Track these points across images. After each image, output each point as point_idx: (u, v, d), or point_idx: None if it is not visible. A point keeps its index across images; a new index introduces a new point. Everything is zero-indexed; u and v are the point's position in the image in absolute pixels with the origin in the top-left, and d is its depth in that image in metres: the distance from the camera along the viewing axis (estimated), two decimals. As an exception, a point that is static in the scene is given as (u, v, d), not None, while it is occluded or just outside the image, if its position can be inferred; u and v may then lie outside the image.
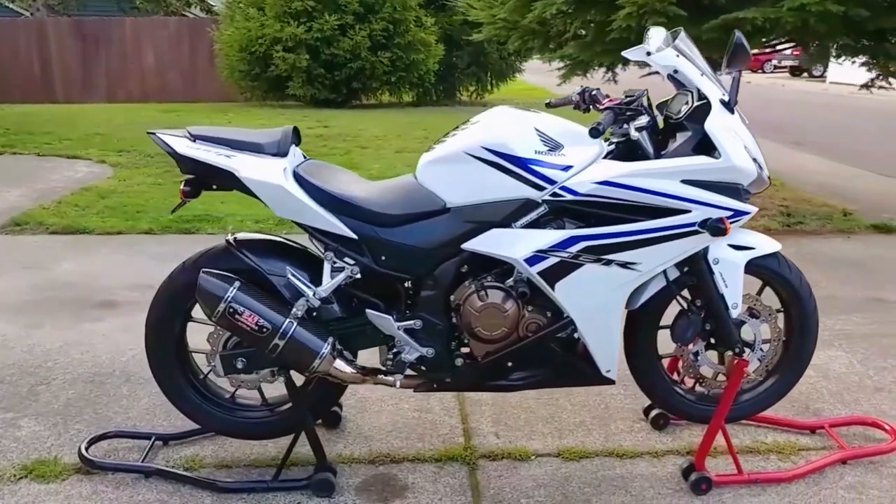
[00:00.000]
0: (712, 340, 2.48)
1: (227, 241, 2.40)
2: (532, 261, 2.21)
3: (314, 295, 2.27)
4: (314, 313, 2.30)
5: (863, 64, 5.65)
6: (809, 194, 6.87)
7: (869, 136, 11.67)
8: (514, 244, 2.22)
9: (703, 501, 2.40)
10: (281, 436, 2.58)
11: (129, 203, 6.27)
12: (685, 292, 2.45)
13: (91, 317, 3.86)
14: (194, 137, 2.26)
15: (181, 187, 2.30)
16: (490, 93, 16.05)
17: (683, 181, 2.17)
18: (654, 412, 2.81)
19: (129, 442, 2.69)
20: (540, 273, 2.22)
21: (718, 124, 2.17)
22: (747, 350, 2.42)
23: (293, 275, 2.28)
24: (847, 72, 20.92)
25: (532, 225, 2.23)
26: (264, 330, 2.20)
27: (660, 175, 2.17)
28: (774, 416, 2.78)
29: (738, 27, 4.46)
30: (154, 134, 2.30)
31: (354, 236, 2.26)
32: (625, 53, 2.43)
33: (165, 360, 2.47)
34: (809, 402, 3.00)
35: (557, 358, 2.37)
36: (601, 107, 2.30)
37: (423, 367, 2.38)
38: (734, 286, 2.35)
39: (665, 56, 2.24)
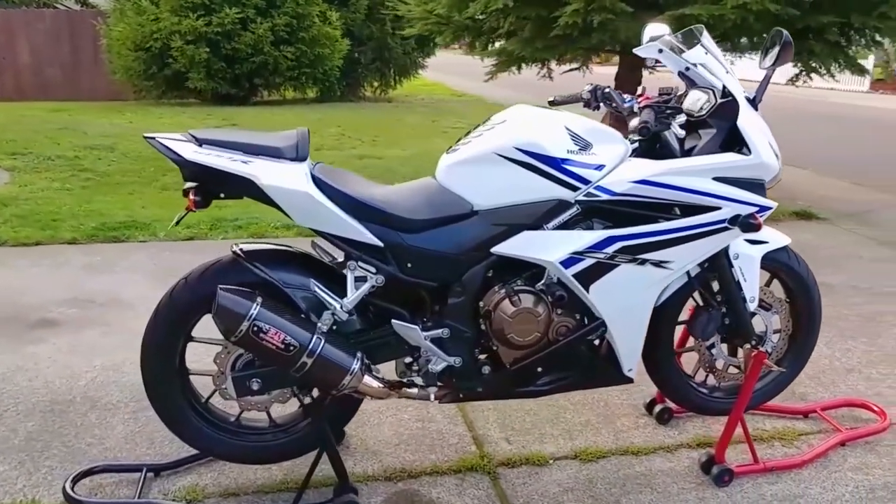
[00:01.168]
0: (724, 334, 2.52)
1: (235, 252, 2.21)
2: (567, 263, 2.16)
3: (342, 308, 2.12)
4: (337, 327, 2.16)
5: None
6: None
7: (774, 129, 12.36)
8: (547, 246, 2.16)
9: (726, 493, 2.43)
10: (294, 458, 2.42)
11: (41, 211, 5.75)
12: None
13: (31, 338, 3.50)
14: (200, 141, 2.06)
15: (191, 196, 2.09)
16: (394, 89, 15.89)
17: (715, 178, 2.18)
18: (658, 407, 2.82)
19: (116, 476, 2.45)
20: (575, 275, 2.17)
21: (748, 121, 2.19)
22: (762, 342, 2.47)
23: (318, 287, 2.13)
24: (756, 69, 22.17)
25: (563, 226, 2.18)
26: (291, 348, 2.04)
27: (694, 173, 2.16)
28: (770, 404, 2.85)
29: (683, 23, 4.59)
30: (153, 138, 2.08)
31: (380, 244, 2.13)
32: (637, 51, 2.40)
33: (166, 385, 2.25)
34: (794, 388, 3.10)
35: (584, 360, 2.34)
36: (640, 105, 2.26)
37: (451, 377, 2.28)
38: (752, 280, 2.39)
39: (695, 54, 2.24)
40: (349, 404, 2.35)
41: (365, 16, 14.58)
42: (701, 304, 2.48)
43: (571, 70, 7.21)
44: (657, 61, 2.39)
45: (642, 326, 2.31)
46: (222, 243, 5.07)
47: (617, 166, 2.17)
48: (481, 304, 2.23)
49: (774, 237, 2.43)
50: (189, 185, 2.13)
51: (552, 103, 2.60)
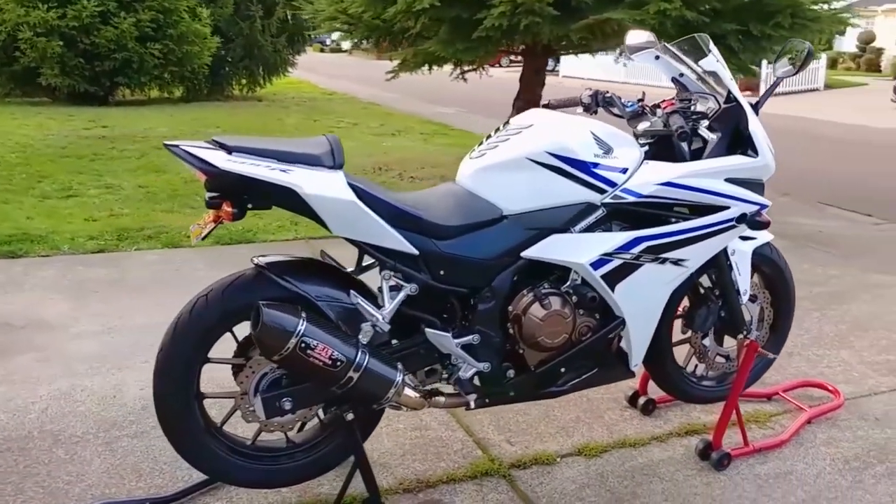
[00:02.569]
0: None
1: (258, 265, 2.08)
2: (597, 264, 2.21)
3: (382, 319, 2.06)
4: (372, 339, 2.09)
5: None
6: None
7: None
8: (577, 249, 2.21)
9: (727, 475, 2.58)
10: (315, 477, 2.32)
11: (-88, 225, 5.11)
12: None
13: (-48, 370, 3.12)
14: (229, 149, 1.93)
15: (226, 208, 1.94)
16: (262, 87, 15.41)
17: (726, 179, 2.30)
18: (641, 399, 2.94)
19: (115, 514, 2.25)
20: (603, 276, 2.23)
21: (756, 126, 2.33)
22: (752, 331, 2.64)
23: (358, 298, 2.05)
24: (577, 66, 23.30)
25: (588, 229, 2.23)
26: (339, 363, 1.95)
27: (710, 174, 2.28)
28: (737, 389, 3.05)
29: (606, 27, 4.81)
30: (177, 146, 1.92)
31: (416, 251, 2.09)
32: (635, 57, 2.50)
33: (184, 411, 2.09)
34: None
35: (601, 358, 2.40)
36: (665, 110, 2.34)
37: (479, 383, 2.27)
38: (745, 274, 2.55)
39: (708, 62, 2.35)
40: (375, 417, 2.28)
41: (233, 11, 14.04)
42: (696, 298, 2.61)
43: (470, 71, 7.30)
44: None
45: (655, 323, 2.41)
46: (137, 255, 4.74)
47: (637, 169, 2.25)
48: (510, 308, 2.24)
49: (760, 233, 2.61)
50: (211, 195, 1.98)
51: (547, 107, 2.64)
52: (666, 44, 2.49)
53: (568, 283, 2.26)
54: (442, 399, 2.27)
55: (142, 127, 10.10)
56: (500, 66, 32.05)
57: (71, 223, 5.37)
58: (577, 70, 23.97)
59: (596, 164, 2.19)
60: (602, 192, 2.21)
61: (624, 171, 2.23)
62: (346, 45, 45.64)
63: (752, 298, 2.69)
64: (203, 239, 2.04)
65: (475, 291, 2.20)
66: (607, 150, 2.23)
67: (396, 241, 2.05)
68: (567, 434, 2.80)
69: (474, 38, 5.08)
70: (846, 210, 6.89)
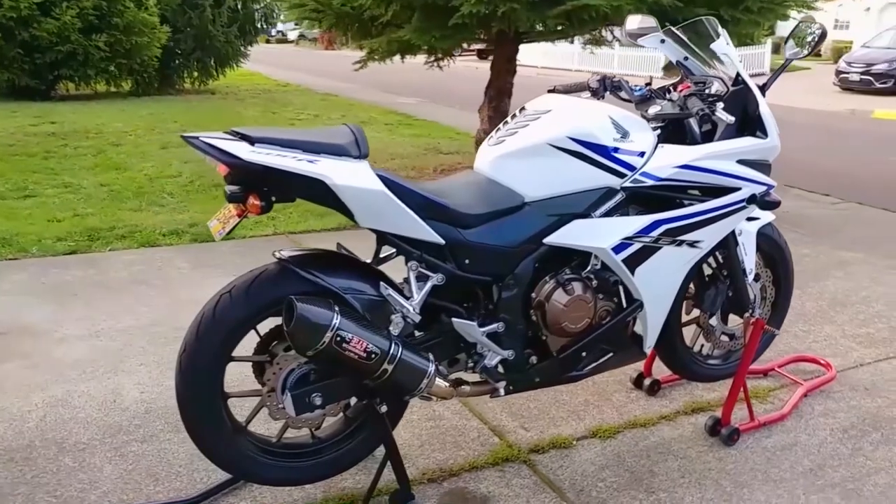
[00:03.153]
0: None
1: (281, 259, 2.04)
2: (618, 248, 2.23)
3: (413, 310, 2.04)
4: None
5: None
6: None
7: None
8: (598, 234, 2.22)
9: (737, 450, 2.64)
10: (343, 472, 2.30)
11: None
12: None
13: (-64, 379, 2.99)
14: (252, 140, 1.88)
15: (253, 201, 1.90)
16: (215, 79, 15.08)
17: (737, 161, 2.35)
18: (647, 381, 2.99)
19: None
20: (624, 260, 2.25)
21: (765, 107, 2.38)
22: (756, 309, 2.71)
23: (388, 289, 2.03)
24: (530, 55, 23.43)
25: (608, 213, 2.25)
26: (373, 356, 1.93)
27: (723, 156, 2.32)
28: (735, 366, 3.13)
29: (583, 14, 4.84)
30: (196, 138, 1.87)
31: (442, 241, 2.08)
32: (641, 41, 2.53)
33: (210, 412, 2.04)
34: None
35: (619, 341, 2.43)
36: (682, 93, 2.36)
37: (502, 370, 2.28)
38: (751, 254, 2.61)
39: (719, 45, 2.39)
40: (401, 408, 2.27)
41: (181, 1, 13.67)
42: (705, 279, 2.66)
43: (440, 59, 7.24)
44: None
45: (669, 305, 2.45)
46: (113, 255, 4.61)
47: (653, 153, 2.27)
48: (533, 295, 2.24)
49: (763, 213, 2.67)
50: (232, 188, 1.94)
51: (552, 92, 2.65)
52: (671, 27, 2.52)
53: (588, 268, 2.28)
54: (467, 388, 2.27)
55: (93, 123, 9.78)
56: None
57: (33, 224, 5.18)
58: (527, 59, 24.14)
59: (616, 149, 2.21)
60: (622, 176, 2.23)
61: (641, 154, 2.25)
62: (291, 35, 44.92)
63: (756, 277, 2.76)
64: (228, 234, 1.98)
65: (499, 279, 2.20)
66: (625, 135, 2.25)
67: (424, 231, 2.03)
68: (579, 417, 2.83)
69: (451, 26, 5.05)
70: (805, 191, 7.10)
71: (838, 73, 19.11)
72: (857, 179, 7.62)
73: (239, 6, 14.61)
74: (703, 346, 2.85)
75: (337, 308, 1.91)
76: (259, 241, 4.97)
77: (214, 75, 14.92)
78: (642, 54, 21.83)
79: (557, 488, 2.40)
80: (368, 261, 2.21)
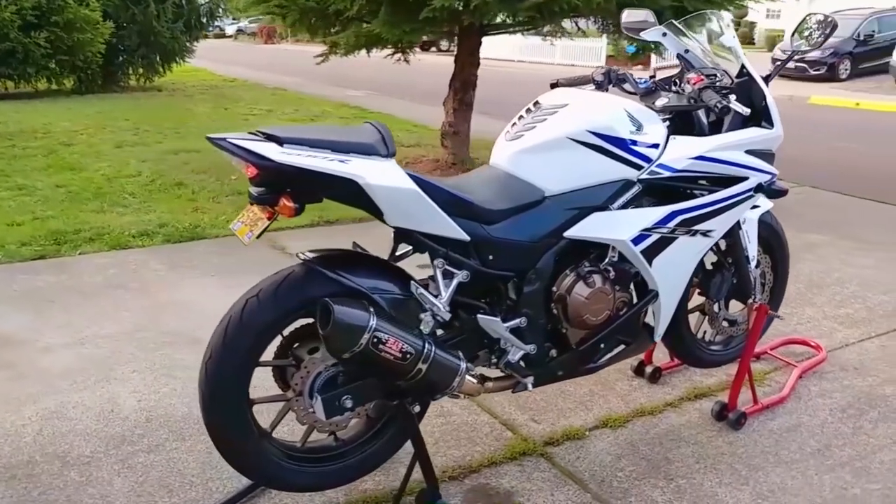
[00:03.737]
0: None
1: (307, 261, 1.99)
2: (637, 240, 2.25)
3: (443, 308, 2.02)
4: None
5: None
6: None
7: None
8: (618, 226, 2.24)
9: (744, 433, 2.70)
10: (369, 473, 2.27)
11: None
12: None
13: (-83, 396, 2.84)
14: (281, 140, 1.83)
15: (286, 203, 1.84)
16: (161, 76, 14.66)
17: (746, 151, 2.39)
18: (648, 368, 3.04)
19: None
20: (642, 251, 2.27)
21: (770, 98, 2.43)
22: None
23: (419, 288, 2.00)
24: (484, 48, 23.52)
25: (625, 206, 2.27)
26: (408, 356, 1.91)
27: (733, 147, 2.36)
28: (729, 351, 3.19)
29: (553, 6, 4.86)
30: (224, 140, 1.81)
31: (467, 238, 2.06)
32: (644, 34, 2.55)
33: (238, 418, 1.98)
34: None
35: (633, 331, 2.46)
36: (695, 86, 2.38)
37: (524, 365, 2.27)
38: (753, 241, 2.67)
39: (727, 38, 2.42)
40: (426, 407, 2.25)
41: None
42: (712, 266, 2.71)
43: (398, 52, 7.19)
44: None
45: (681, 293, 2.48)
46: (84, 259, 4.45)
47: (666, 145, 2.30)
48: (553, 289, 2.25)
49: (763, 201, 2.72)
50: (259, 190, 1.89)
51: (555, 86, 2.65)
52: (674, 21, 2.55)
53: (606, 260, 2.29)
54: (491, 384, 2.26)
55: (39, 122, 9.42)
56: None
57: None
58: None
59: (634, 142, 2.23)
60: (639, 168, 2.25)
61: (656, 146, 2.27)
62: (230, 30, 44.05)
63: (756, 264, 2.82)
64: (257, 238, 1.92)
65: (521, 274, 2.20)
66: (639, 127, 2.26)
67: (451, 228, 2.01)
68: (587, 408, 2.85)
69: (421, 19, 5.01)
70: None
71: (774, 60, 19.67)
72: (807, 164, 7.85)
73: (184, 1, 14.22)
74: (705, 332, 2.90)
75: (372, 309, 1.88)
76: (232, 239, 4.83)
77: (160, 72, 14.49)
78: (585, 45, 22.09)
79: (578, 480, 2.41)
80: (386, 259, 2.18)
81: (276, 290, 1.96)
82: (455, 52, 6.82)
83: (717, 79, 2.36)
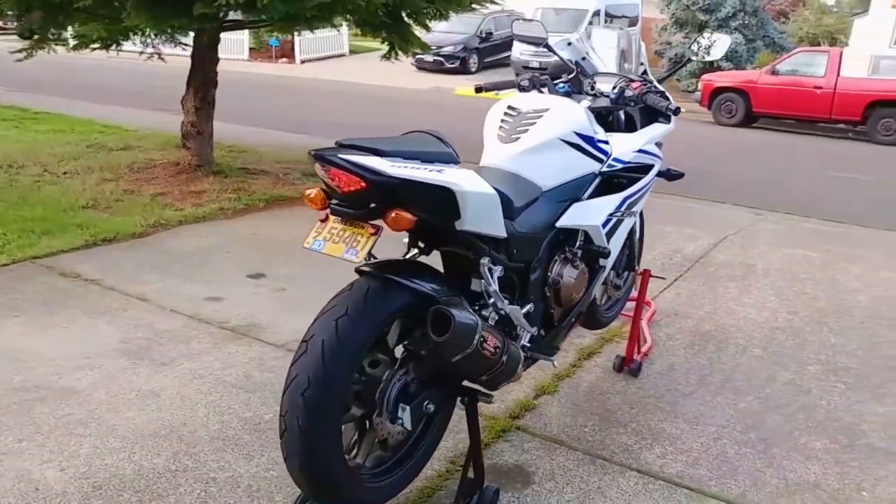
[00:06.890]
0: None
1: (377, 273, 1.96)
2: (605, 224, 2.60)
3: (509, 303, 2.14)
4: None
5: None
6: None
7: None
8: (592, 213, 2.56)
9: (644, 378, 3.23)
10: (415, 478, 2.28)
11: None
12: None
13: None
14: (381, 153, 1.80)
15: (404, 214, 1.79)
16: None
17: (656, 143, 2.88)
18: (544, 338, 3.42)
19: None
20: (606, 233, 2.62)
21: (671, 99, 2.93)
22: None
23: (492, 285, 2.09)
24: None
25: (591, 196, 2.59)
26: (497, 351, 2.01)
27: (652, 140, 2.82)
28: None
29: (338, 6, 4.94)
30: (334, 155, 1.71)
31: (505, 235, 2.20)
32: (552, 45, 2.89)
33: (335, 443, 1.88)
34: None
35: (589, 303, 2.81)
36: (636, 91, 2.72)
37: (528, 346, 2.48)
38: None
39: (637, 48, 2.84)
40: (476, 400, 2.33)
41: None
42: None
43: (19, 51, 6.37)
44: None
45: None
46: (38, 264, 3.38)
47: (611, 140, 2.67)
48: (549, 274, 2.49)
49: None
50: (334, 202, 1.83)
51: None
52: (579, 34, 2.93)
53: (577, 243, 2.60)
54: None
55: None
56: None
57: None
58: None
59: (599, 140, 2.55)
60: (601, 162, 2.58)
61: (607, 143, 2.63)
62: None
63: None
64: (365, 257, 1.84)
65: (528, 264, 2.39)
66: (594, 127, 2.60)
67: (502, 227, 2.13)
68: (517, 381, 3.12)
69: (197, 16, 4.65)
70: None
71: (414, 54, 21.54)
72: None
73: None
74: (602, 298, 3.37)
75: (472, 310, 1.94)
76: (9, 275, 4.07)
77: None
78: (227, 37, 21.69)
79: (562, 441, 2.70)
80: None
81: (366, 304, 1.89)
82: (191, 50, 6.43)
83: (652, 84, 2.80)
